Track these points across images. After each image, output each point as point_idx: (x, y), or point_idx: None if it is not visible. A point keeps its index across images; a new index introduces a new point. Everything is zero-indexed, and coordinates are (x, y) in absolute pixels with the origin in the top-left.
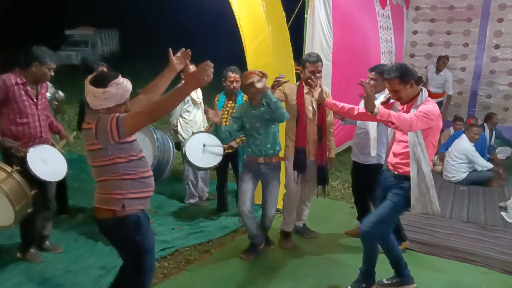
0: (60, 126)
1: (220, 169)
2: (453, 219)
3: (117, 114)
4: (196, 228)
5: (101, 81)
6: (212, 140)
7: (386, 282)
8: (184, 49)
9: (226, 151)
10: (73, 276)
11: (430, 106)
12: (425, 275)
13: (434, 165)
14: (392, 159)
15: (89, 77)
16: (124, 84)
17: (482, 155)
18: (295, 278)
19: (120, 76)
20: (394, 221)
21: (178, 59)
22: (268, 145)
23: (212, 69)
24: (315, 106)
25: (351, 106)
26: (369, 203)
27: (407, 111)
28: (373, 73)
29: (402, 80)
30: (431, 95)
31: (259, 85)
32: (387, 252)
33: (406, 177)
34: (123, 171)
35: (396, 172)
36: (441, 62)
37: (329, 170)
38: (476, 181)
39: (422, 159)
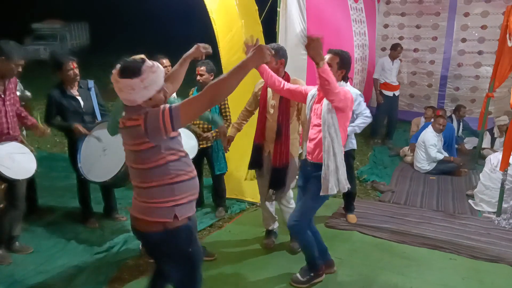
0: (34, 120)
1: (195, 164)
2: (424, 208)
3: (168, 105)
4: None
5: (133, 71)
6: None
7: (302, 279)
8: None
9: (201, 146)
10: (44, 277)
11: (346, 89)
12: (396, 263)
13: (405, 155)
14: (308, 145)
15: (115, 72)
16: (156, 65)
17: (450, 145)
18: (267, 267)
19: (146, 58)
20: (315, 211)
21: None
22: None
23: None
24: (277, 102)
25: (279, 79)
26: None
27: (322, 95)
28: None
29: (341, 63)
30: (393, 87)
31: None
32: (302, 246)
33: (321, 165)
34: (174, 172)
35: (313, 161)
36: (399, 49)
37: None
38: (444, 170)
39: (335, 139)
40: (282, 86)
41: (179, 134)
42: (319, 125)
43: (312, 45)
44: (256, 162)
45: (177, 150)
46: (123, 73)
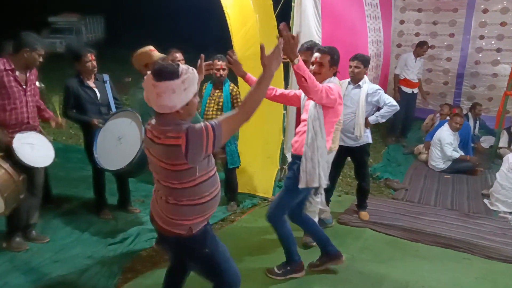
0: (51, 113)
1: None
2: (438, 206)
3: (211, 123)
4: None
5: (171, 72)
6: None
7: (278, 271)
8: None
9: None
10: (59, 266)
11: (332, 85)
12: (409, 261)
13: (419, 153)
14: (293, 138)
15: (149, 78)
16: (190, 68)
17: (466, 144)
18: (278, 262)
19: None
20: (291, 204)
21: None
22: None
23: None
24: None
25: (271, 87)
26: (363, 184)
27: None
28: (355, 61)
29: (332, 60)
30: (413, 84)
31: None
32: (280, 238)
33: (300, 157)
34: (201, 194)
35: (293, 153)
36: (425, 47)
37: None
38: (460, 169)
39: (319, 133)
40: (274, 92)
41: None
42: (306, 120)
43: (291, 43)
44: None
45: (208, 170)
46: (160, 76)
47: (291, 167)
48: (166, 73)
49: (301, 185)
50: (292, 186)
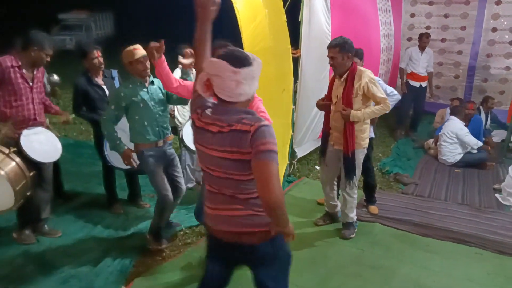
0: (57, 107)
1: None
2: (448, 201)
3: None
4: (193, 212)
5: (245, 58)
6: None
7: None
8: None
9: None
10: (71, 259)
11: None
12: (419, 256)
13: (429, 148)
14: None
15: (224, 65)
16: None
17: (478, 138)
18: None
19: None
20: None
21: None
22: (165, 125)
23: None
24: (340, 94)
25: (176, 78)
26: (369, 179)
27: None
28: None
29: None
30: (420, 78)
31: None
32: None
33: None
34: None
35: None
36: (425, 38)
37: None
38: (471, 163)
39: None
40: (177, 84)
41: None
42: None
43: None
44: (321, 150)
45: None
46: (240, 63)
47: None
48: (244, 59)
49: None
50: None
